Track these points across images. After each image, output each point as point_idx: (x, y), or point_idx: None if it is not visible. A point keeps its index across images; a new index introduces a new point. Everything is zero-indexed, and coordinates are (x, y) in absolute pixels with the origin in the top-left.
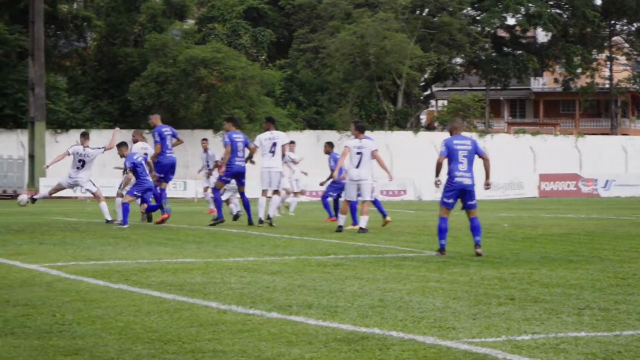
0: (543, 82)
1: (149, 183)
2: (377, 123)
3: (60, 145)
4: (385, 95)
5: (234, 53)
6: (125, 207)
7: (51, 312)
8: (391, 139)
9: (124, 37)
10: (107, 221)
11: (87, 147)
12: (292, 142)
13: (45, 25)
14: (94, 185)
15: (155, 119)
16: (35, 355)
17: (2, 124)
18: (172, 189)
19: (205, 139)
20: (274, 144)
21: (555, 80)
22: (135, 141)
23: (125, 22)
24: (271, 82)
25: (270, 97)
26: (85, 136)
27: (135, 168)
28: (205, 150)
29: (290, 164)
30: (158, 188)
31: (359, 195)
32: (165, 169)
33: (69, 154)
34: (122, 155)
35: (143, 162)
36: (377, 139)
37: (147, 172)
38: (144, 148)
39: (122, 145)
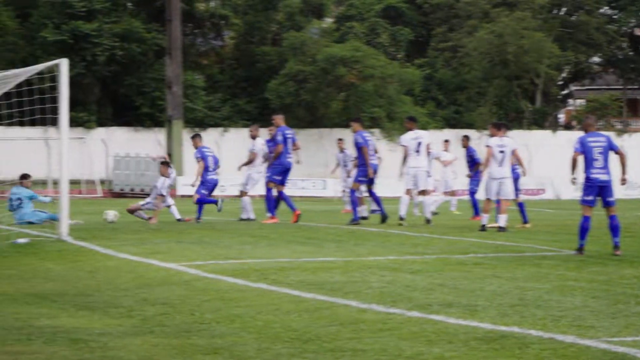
0: None
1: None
2: (516, 122)
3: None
4: (523, 94)
5: (372, 52)
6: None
7: (190, 311)
8: (529, 138)
9: (262, 35)
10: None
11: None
12: (446, 141)
13: (182, 23)
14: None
15: (279, 120)
16: (174, 354)
17: (139, 123)
18: (312, 188)
19: (340, 139)
20: (419, 144)
21: None
22: (253, 137)
23: (262, 20)
24: (410, 81)
25: (409, 95)
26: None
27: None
28: (342, 150)
29: (434, 161)
30: (273, 191)
31: (498, 193)
32: (282, 172)
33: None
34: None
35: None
36: (516, 138)
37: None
38: (263, 144)
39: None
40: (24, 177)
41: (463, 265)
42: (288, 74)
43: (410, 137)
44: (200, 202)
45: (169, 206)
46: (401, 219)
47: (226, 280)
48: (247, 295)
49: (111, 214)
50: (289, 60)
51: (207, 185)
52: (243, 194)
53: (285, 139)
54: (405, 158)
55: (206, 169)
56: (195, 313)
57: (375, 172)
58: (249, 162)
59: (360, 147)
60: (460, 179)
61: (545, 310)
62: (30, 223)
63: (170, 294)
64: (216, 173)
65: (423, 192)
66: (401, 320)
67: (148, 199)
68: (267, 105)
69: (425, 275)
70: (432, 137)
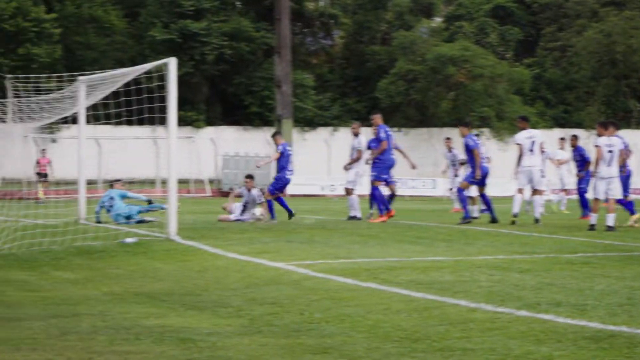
0: None
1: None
2: (624, 121)
3: (308, 143)
4: (631, 93)
5: (482, 51)
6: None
7: (299, 310)
8: (638, 137)
9: (371, 34)
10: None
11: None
12: (562, 139)
13: (291, 22)
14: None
15: (378, 119)
16: (282, 354)
17: (248, 122)
18: (422, 187)
19: (448, 138)
20: (533, 142)
21: None
22: (356, 134)
23: (372, 19)
24: (519, 80)
25: (518, 95)
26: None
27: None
28: (450, 149)
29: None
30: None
31: (607, 192)
32: (385, 169)
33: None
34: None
35: None
36: (625, 137)
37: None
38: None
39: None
40: (116, 182)
41: (572, 265)
42: (397, 73)
43: (524, 136)
44: (270, 204)
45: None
46: (514, 216)
47: (336, 279)
48: (357, 295)
49: (258, 211)
50: (399, 59)
51: (280, 183)
52: (350, 192)
53: (388, 136)
54: (520, 157)
55: (284, 168)
56: (305, 313)
57: (486, 175)
58: (355, 160)
59: (471, 150)
60: (571, 179)
61: None
62: (128, 218)
63: (279, 293)
64: (292, 173)
65: (536, 192)
66: (510, 320)
67: (242, 216)
68: (377, 105)
69: (534, 274)
70: (544, 137)
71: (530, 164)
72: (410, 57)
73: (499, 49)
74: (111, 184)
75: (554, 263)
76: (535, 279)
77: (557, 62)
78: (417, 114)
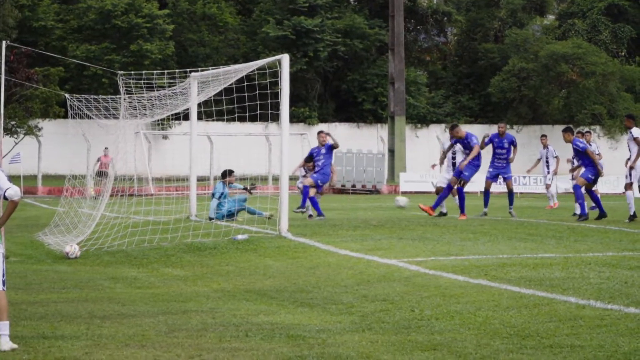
0: None
1: None
2: None
3: (421, 140)
4: None
5: (594, 49)
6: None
7: (410, 307)
8: None
9: (484, 32)
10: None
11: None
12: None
13: (405, 19)
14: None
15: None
16: (392, 351)
17: (362, 119)
18: (533, 184)
19: (544, 135)
20: None
21: None
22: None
23: (485, 17)
24: (632, 78)
25: (630, 93)
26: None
27: None
28: (545, 146)
29: None
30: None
31: None
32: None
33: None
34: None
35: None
36: None
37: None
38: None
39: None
40: (228, 173)
41: None
42: (510, 71)
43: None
44: (310, 199)
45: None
46: (634, 215)
47: (447, 276)
48: (467, 292)
49: (402, 200)
50: (511, 57)
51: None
52: (439, 189)
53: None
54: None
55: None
56: (415, 309)
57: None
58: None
59: (583, 151)
60: None
61: None
62: (230, 213)
63: (390, 290)
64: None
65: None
66: (619, 317)
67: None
68: (489, 102)
69: None
70: None
71: None
72: (522, 55)
73: (611, 46)
74: (223, 179)
75: None
76: None
77: None
78: (529, 112)
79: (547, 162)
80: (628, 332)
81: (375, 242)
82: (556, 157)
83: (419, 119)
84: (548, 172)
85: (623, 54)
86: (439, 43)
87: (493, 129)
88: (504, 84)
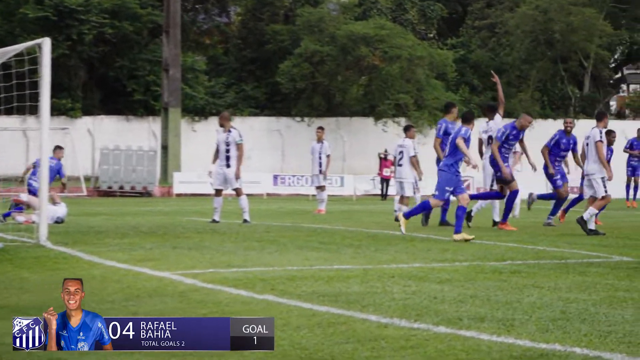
0: None
1: None
2: (561, 110)
3: (198, 135)
4: (570, 78)
5: (399, 30)
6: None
7: None
8: (577, 128)
9: (273, 11)
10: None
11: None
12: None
13: None
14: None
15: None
16: None
17: (132, 111)
18: (328, 186)
19: (320, 128)
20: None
21: None
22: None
23: None
24: (442, 64)
25: (440, 80)
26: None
27: None
28: (320, 140)
29: None
30: None
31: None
32: None
33: None
34: None
35: None
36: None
37: None
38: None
39: None
40: None
41: (498, 274)
42: (302, 55)
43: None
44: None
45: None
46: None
47: (228, 291)
48: (252, 309)
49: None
50: (303, 39)
51: None
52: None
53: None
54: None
55: None
56: None
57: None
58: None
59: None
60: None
61: (591, 325)
62: None
63: (164, 306)
64: None
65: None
66: (427, 337)
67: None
68: (278, 91)
69: (455, 285)
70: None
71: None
72: (316, 37)
73: (419, 27)
74: None
75: (477, 272)
76: (456, 290)
77: (485, 42)
78: (323, 102)
79: (319, 158)
80: (437, 354)
81: (146, 251)
82: (328, 155)
83: (197, 111)
84: (321, 172)
85: (432, 35)
86: (220, 24)
87: (282, 122)
88: (295, 70)
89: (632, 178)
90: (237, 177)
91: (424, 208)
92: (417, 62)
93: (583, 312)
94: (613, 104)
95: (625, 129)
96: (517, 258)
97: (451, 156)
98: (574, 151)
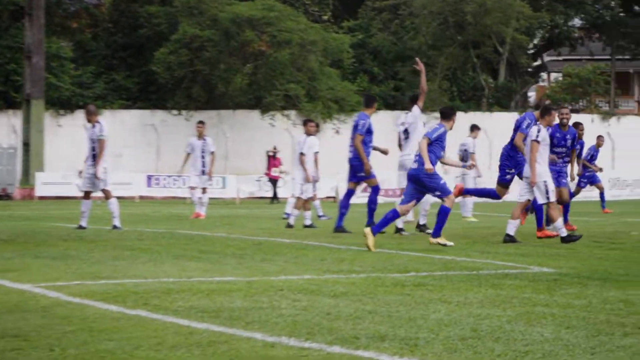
0: None
1: None
2: (473, 102)
3: (64, 131)
4: (483, 66)
5: (290, 12)
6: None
7: (48, 345)
8: (490, 121)
9: None
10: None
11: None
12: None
13: None
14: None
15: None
16: None
17: None
18: (210, 188)
19: (201, 122)
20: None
21: None
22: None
23: None
24: (338, 49)
25: (335, 68)
26: None
27: None
28: (202, 136)
29: None
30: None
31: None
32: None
33: None
34: None
35: None
36: (473, 121)
37: None
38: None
39: None
40: None
41: (401, 287)
42: (180, 40)
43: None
44: None
45: None
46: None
47: (95, 305)
48: (123, 325)
49: None
50: (182, 22)
51: None
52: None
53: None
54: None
55: None
56: (55, 348)
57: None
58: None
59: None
60: None
61: (506, 344)
62: None
63: (24, 323)
64: None
65: None
66: (319, 357)
67: None
68: (153, 81)
69: (351, 299)
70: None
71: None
72: (196, 20)
73: (312, 9)
74: None
75: (377, 285)
76: (352, 305)
77: (386, 25)
78: (203, 93)
79: (202, 156)
80: None
81: (5, 261)
82: (212, 152)
83: (62, 104)
84: (204, 173)
85: (327, 17)
86: (89, 6)
87: (157, 115)
88: (172, 57)
89: (582, 189)
90: (97, 177)
91: (393, 218)
92: (309, 47)
93: (497, 329)
94: (532, 94)
95: None
96: (422, 269)
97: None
98: (575, 149)
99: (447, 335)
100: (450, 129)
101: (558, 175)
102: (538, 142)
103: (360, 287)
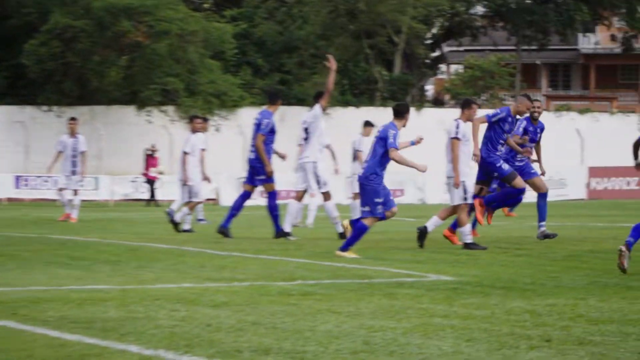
0: (595, 41)
1: None
2: (366, 95)
3: None
4: (377, 57)
5: (169, 0)
6: None
7: None
8: (384, 117)
9: None
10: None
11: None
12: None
13: None
14: None
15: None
16: None
17: None
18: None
19: (73, 119)
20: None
21: (613, 38)
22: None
23: None
24: (219, 40)
25: (217, 60)
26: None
27: None
28: (74, 134)
29: None
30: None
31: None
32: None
33: None
34: None
35: None
36: (366, 117)
37: None
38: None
39: None
40: None
41: (287, 296)
42: (51, 31)
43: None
44: None
45: None
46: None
47: None
48: None
49: None
50: (53, 12)
51: None
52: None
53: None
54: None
55: None
56: None
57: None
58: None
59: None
60: None
61: (400, 358)
62: None
63: None
64: None
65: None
66: None
67: None
68: (22, 75)
69: (233, 309)
70: (249, 115)
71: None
72: (69, 9)
73: None
74: None
75: (261, 294)
76: (234, 315)
77: (272, 14)
78: (75, 88)
79: (73, 155)
80: None
81: None
82: (83, 152)
83: None
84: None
85: (208, 6)
86: None
87: (26, 112)
88: (43, 49)
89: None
90: None
91: (361, 233)
92: (189, 38)
93: (391, 342)
94: (430, 88)
95: (443, 118)
96: (309, 277)
97: (377, 163)
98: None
99: (337, 349)
100: (404, 126)
101: (526, 166)
102: (458, 139)
103: (243, 297)
